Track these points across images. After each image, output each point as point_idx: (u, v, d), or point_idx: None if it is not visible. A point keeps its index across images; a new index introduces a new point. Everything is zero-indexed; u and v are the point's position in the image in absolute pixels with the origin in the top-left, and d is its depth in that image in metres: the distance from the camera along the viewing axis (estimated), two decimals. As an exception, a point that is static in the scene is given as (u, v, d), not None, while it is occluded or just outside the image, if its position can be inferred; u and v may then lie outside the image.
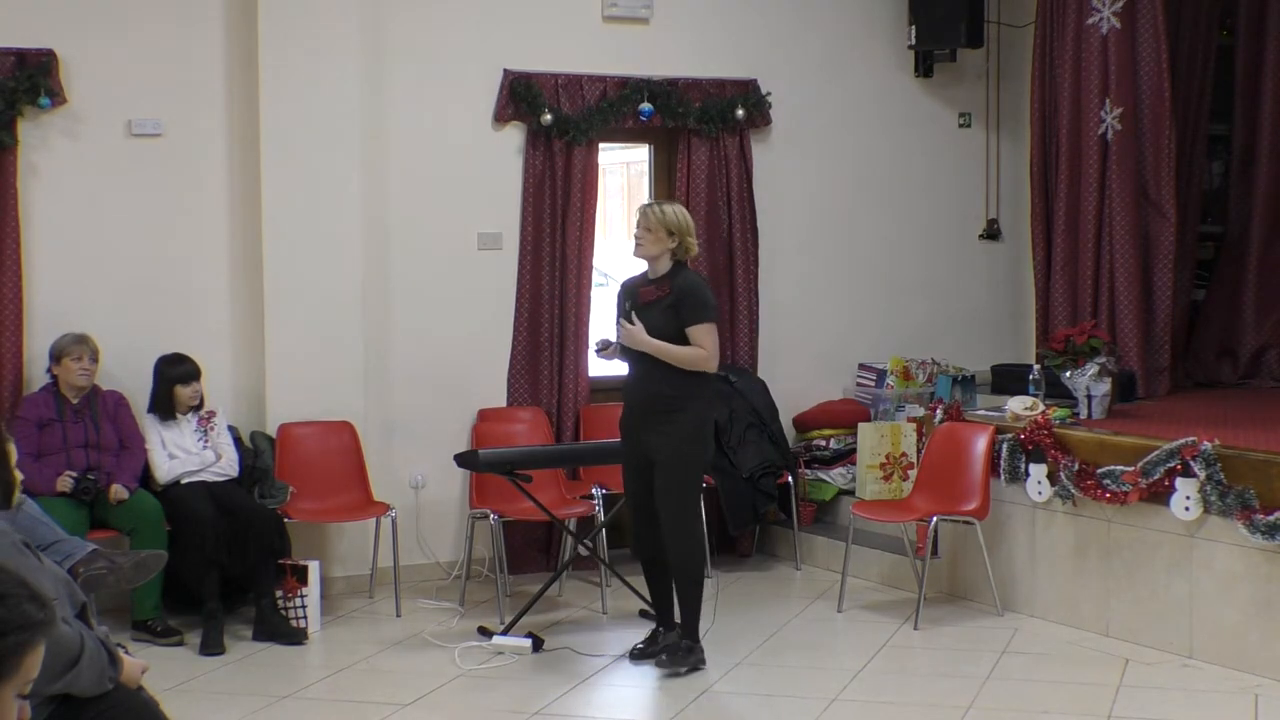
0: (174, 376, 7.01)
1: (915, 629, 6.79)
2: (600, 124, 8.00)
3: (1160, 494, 6.26)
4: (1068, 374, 7.23)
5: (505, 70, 7.89)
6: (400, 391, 7.78)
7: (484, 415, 7.89)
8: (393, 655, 6.51)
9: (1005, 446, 6.95)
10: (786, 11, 8.60)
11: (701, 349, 6.06)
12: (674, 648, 6.21)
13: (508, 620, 6.76)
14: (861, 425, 8.01)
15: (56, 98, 7.06)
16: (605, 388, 8.25)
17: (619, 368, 8.51)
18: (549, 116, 7.86)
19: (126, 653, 3.83)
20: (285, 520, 6.98)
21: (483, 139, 7.91)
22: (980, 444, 7.03)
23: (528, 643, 6.46)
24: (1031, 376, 7.35)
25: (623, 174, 10.16)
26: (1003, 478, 6.98)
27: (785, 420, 8.48)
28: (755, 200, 8.41)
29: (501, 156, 7.93)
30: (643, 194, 8.75)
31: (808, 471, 8.36)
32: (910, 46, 8.82)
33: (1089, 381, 7.16)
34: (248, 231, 7.44)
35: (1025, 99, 8.54)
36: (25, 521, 4.85)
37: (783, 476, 8.09)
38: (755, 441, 8.08)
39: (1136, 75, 7.98)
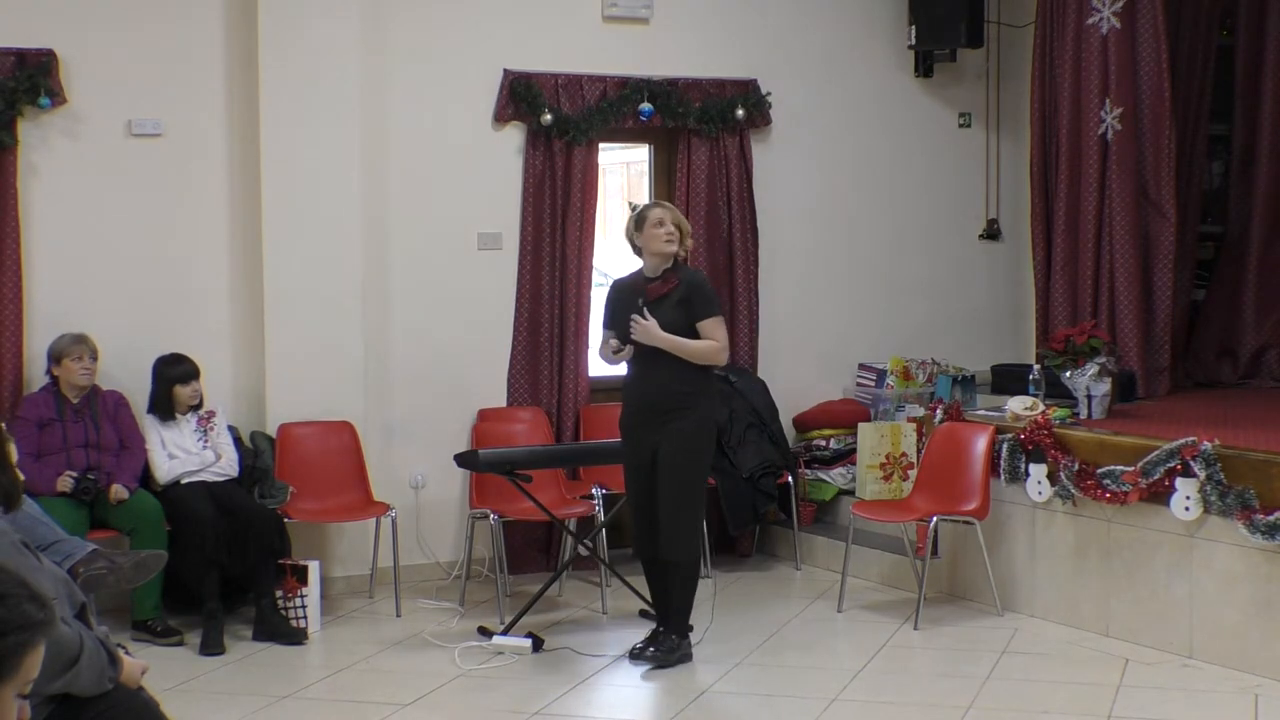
0: (173, 376, 7.01)
1: (915, 629, 6.79)
2: (600, 124, 8.00)
3: (1160, 494, 6.26)
4: (1068, 374, 7.23)
5: (505, 70, 7.89)
6: (400, 391, 7.78)
7: (484, 415, 7.89)
8: (393, 655, 6.51)
9: (1005, 446, 6.95)
10: (786, 11, 8.60)
11: (715, 341, 6.13)
12: (662, 640, 6.23)
13: (508, 620, 6.76)
14: (861, 425, 8.01)
15: (56, 98, 7.06)
16: (605, 388, 8.25)
17: (618, 367, 8.52)
18: (549, 116, 7.86)
19: (126, 653, 3.82)
20: (285, 520, 6.99)
21: (483, 139, 7.91)
22: (980, 444, 7.03)
23: (528, 643, 6.46)
24: (1031, 376, 7.35)
25: (623, 174, 10.15)
26: (1003, 478, 6.98)
27: (785, 420, 8.48)
28: (755, 200, 8.41)
29: (501, 156, 7.93)
30: (643, 194, 8.75)
31: (808, 471, 8.36)
32: (910, 46, 8.82)
33: (1089, 381, 7.16)
34: (248, 231, 7.44)
35: (1025, 99, 8.54)
36: (25, 521, 4.84)
37: (783, 476, 8.09)
38: (755, 441, 8.08)
39: (1136, 75, 7.97)
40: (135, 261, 7.31)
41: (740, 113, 8.28)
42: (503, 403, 7.97)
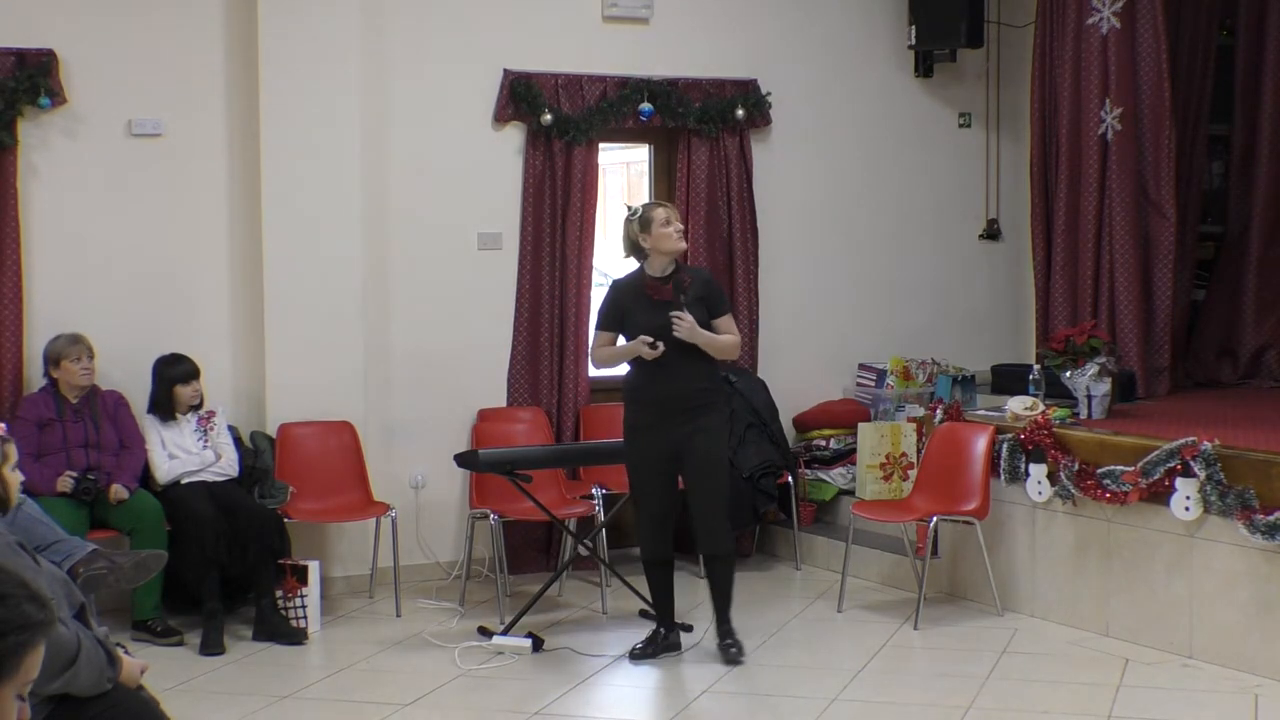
0: (173, 376, 7.01)
1: (915, 629, 6.79)
2: (600, 124, 8.00)
3: (1160, 494, 6.25)
4: (1068, 374, 7.22)
5: (505, 70, 7.89)
6: (400, 391, 7.78)
7: (484, 415, 7.89)
8: (393, 655, 6.51)
9: (1005, 446, 6.95)
10: (786, 12, 8.60)
11: (736, 335, 6.29)
12: (732, 636, 6.30)
13: (508, 620, 6.76)
14: (861, 425, 8.01)
15: (56, 98, 7.06)
16: (605, 388, 8.25)
17: (619, 368, 8.50)
18: (549, 116, 7.86)
19: (126, 653, 3.83)
20: (285, 520, 6.99)
21: (483, 139, 7.91)
22: (980, 444, 7.03)
23: (528, 643, 6.46)
24: (1031, 376, 7.35)
25: (623, 174, 10.16)
26: (1003, 478, 6.98)
27: (785, 420, 8.48)
28: (755, 200, 8.41)
29: (501, 156, 7.93)
30: (643, 194, 8.75)
31: (808, 471, 8.36)
32: (910, 46, 8.82)
33: (1089, 381, 7.16)
34: (248, 231, 7.44)
35: (1025, 99, 8.53)
36: (25, 521, 4.85)
37: (783, 476, 8.09)
38: (755, 441, 8.08)
39: (1136, 75, 7.97)
40: (135, 261, 7.31)
41: (740, 113, 8.28)
42: (503, 403, 7.97)
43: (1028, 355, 8.48)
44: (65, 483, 6.63)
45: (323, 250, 7.48)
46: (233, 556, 6.69)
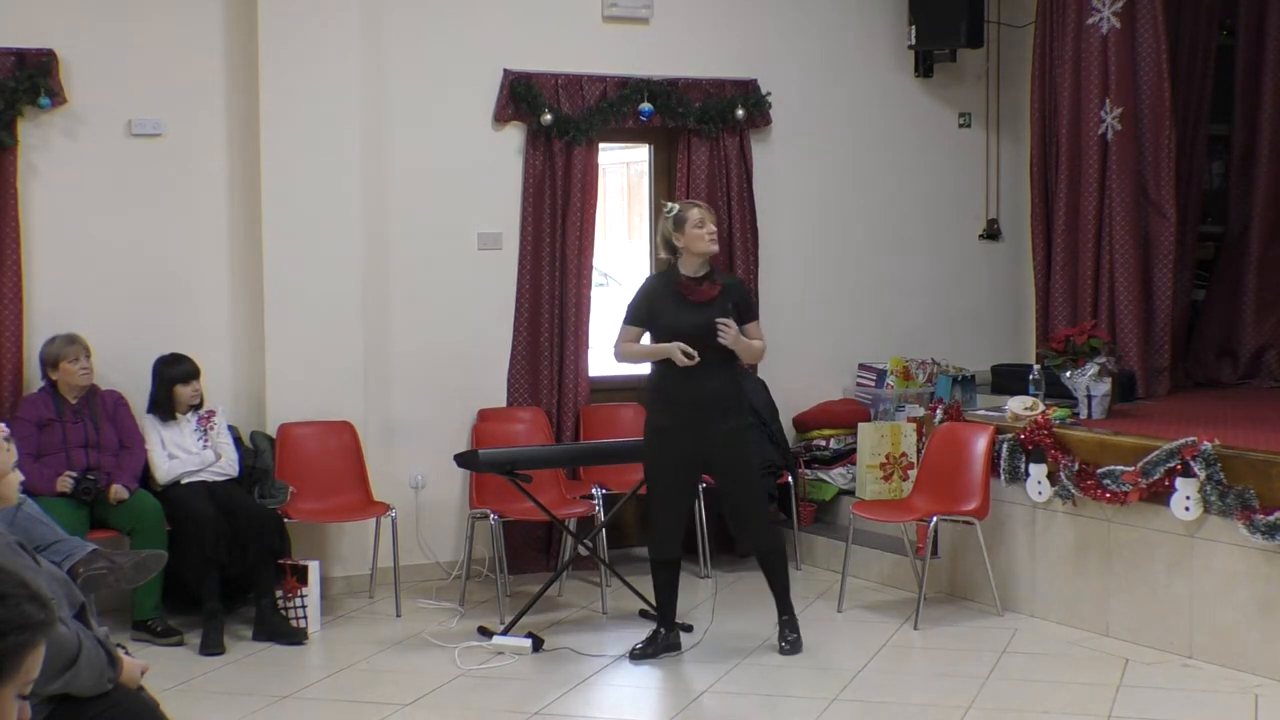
0: (173, 376, 7.01)
1: (915, 629, 6.79)
2: (600, 124, 8.00)
3: (1160, 494, 6.26)
4: (1068, 374, 7.22)
5: (505, 70, 7.89)
6: (400, 391, 7.78)
7: (484, 415, 7.89)
8: (393, 655, 6.51)
9: (1005, 446, 6.95)
10: (786, 12, 8.60)
11: (763, 342, 6.41)
12: (796, 630, 6.40)
13: (508, 620, 6.76)
14: (861, 425, 8.01)
15: (56, 98, 7.07)
16: (605, 388, 8.26)
17: (618, 368, 8.51)
18: (549, 116, 7.86)
19: (126, 653, 3.83)
20: (285, 520, 6.99)
21: (483, 139, 7.91)
22: (980, 444, 7.03)
23: (528, 643, 6.46)
24: (1031, 376, 7.35)
25: (623, 174, 10.16)
26: (1003, 478, 6.98)
27: (785, 420, 8.48)
28: (755, 200, 8.41)
29: (501, 156, 7.93)
30: (643, 194, 8.74)
31: (808, 471, 8.36)
32: (910, 46, 8.82)
33: (1089, 381, 7.16)
34: (248, 231, 7.44)
35: (1025, 99, 8.54)
36: (25, 521, 4.85)
37: (783, 476, 8.08)
38: (755, 441, 8.06)
39: (1136, 75, 7.97)
40: (135, 261, 7.31)
41: (740, 113, 8.28)
42: (503, 403, 7.97)
43: (1028, 355, 8.48)
44: (65, 483, 6.63)
45: (323, 250, 7.48)
46: (233, 556, 6.69)
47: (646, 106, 8.07)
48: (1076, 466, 6.62)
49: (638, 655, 6.32)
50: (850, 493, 8.11)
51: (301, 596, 6.83)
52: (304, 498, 7.21)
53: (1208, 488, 6.05)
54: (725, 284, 6.27)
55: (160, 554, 5.47)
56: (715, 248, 6.27)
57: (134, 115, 7.28)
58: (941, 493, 7.10)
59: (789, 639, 6.40)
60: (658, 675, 6.21)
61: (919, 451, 7.63)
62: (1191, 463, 6.11)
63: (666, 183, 8.48)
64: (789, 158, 8.61)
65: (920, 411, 7.94)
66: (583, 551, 7.28)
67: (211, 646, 6.48)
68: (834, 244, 8.82)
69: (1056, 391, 7.29)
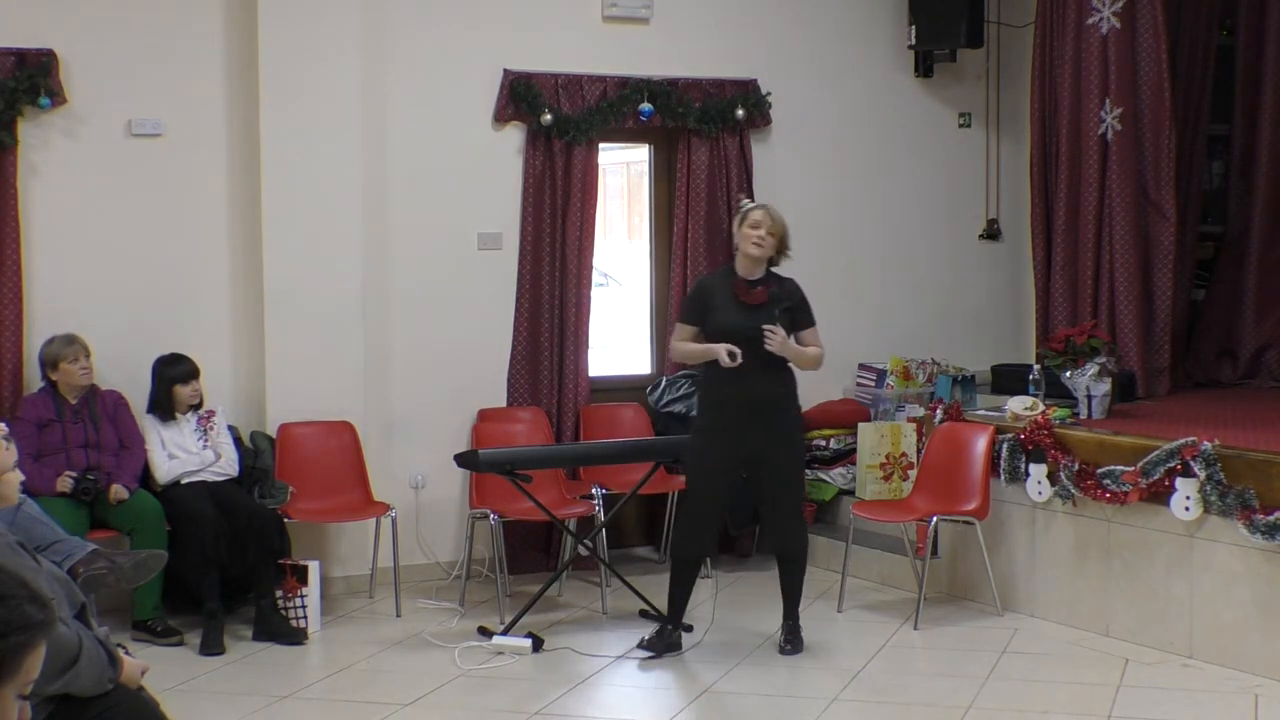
0: (172, 376, 7.01)
1: (915, 629, 6.79)
2: (600, 124, 8.00)
3: (1160, 494, 6.26)
4: (1068, 374, 7.23)
5: (505, 70, 7.89)
6: (400, 391, 7.78)
7: (484, 415, 7.89)
8: (393, 655, 6.51)
9: (1005, 446, 6.95)
10: (786, 11, 8.60)
11: (820, 349, 6.43)
12: (798, 635, 6.41)
13: (508, 620, 6.76)
14: (861, 425, 8.01)
15: (56, 98, 7.06)
16: (605, 388, 8.26)
17: (618, 367, 8.51)
18: (549, 116, 7.86)
19: (126, 653, 3.83)
20: (285, 520, 6.99)
21: (483, 139, 7.91)
22: (980, 444, 7.03)
23: (528, 643, 6.46)
24: (1031, 376, 7.35)
25: (623, 174, 10.17)
26: (1003, 478, 6.98)
27: (785, 420, 8.47)
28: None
29: (501, 156, 7.93)
30: (643, 194, 8.74)
31: (808, 471, 8.34)
32: (910, 46, 8.82)
33: (1089, 381, 7.16)
34: (248, 231, 7.44)
35: (1025, 99, 8.54)
36: (25, 521, 4.85)
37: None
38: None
39: (1136, 75, 7.97)
40: (135, 261, 7.31)
41: (740, 113, 8.28)
42: (503, 403, 7.96)
43: (1028, 355, 8.48)
44: (65, 483, 6.63)
45: (323, 250, 7.47)
46: (233, 556, 6.69)
47: (646, 106, 8.07)
48: (1076, 466, 6.62)
49: (646, 645, 6.37)
50: (850, 493, 8.11)
51: (301, 596, 6.83)
52: (304, 498, 7.21)
53: (1208, 488, 6.05)
54: (781, 289, 6.30)
55: (160, 554, 5.47)
56: (755, 252, 6.27)
57: (134, 115, 7.28)
58: (941, 493, 7.10)
59: (791, 641, 6.41)
60: (658, 675, 6.21)
61: (919, 451, 7.63)
62: (1191, 463, 6.11)
63: (666, 183, 8.47)
64: (789, 158, 8.61)
65: (920, 411, 7.94)
66: (583, 551, 7.28)
67: (211, 646, 6.48)
68: (834, 244, 8.81)
69: (1056, 391, 7.29)
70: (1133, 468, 6.34)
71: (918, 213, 9.01)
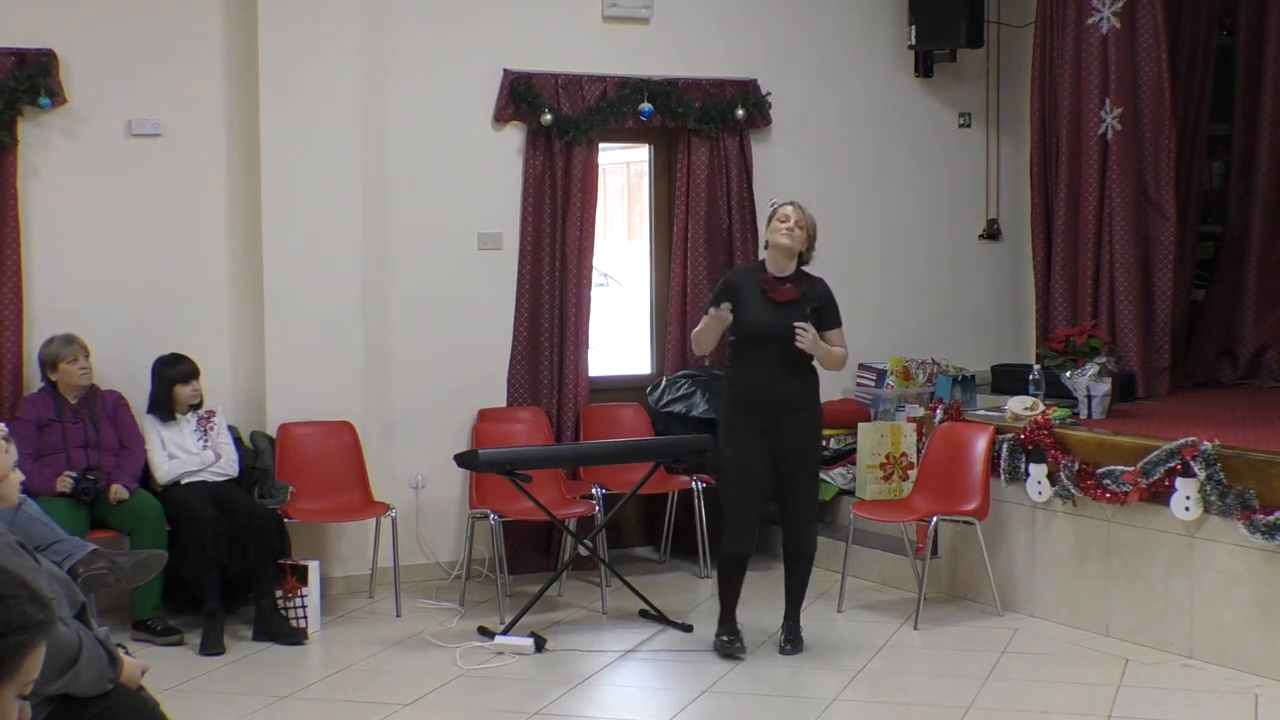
0: (172, 376, 7.01)
1: (915, 629, 6.79)
2: (600, 124, 8.00)
3: (1160, 494, 6.26)
4: (1068, 374, 7.23)
5: (505, 70, 7.89)
6: (400, 391, 7.78)
7: (484, 415, 7.89)
8: (393, 655, 6.51)
9: (1005, 446, 6.95)
10: (786, 11, 8.60)
11: (846, 349, 6.44)
12: (798, 634, 6.43)
13: (508, 620, 6.76)
14: (861, 425, 8.01)
15: (56, 98, 7.06)
16: (605, 388, 8.26)
17: (618, 368, 8.50)
18: (549, 116, 7.86)
19: (127, 653, 3.83)
20: (285, 520, 6.99)
21: (483, 139, 7.91)
22: (980, 444, 7.03)
23: (529, 642, 6.45)
24: (1031, 376, 7.35)
25: (623, 174, 10.17)
26: (1003, 478, 6.98)
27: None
28: (755, 200, 8.40)
29: (501, 156, 7.93)
30: (643, 194, 8.74)
31: (808, 471, 8.35)
32: (910, 46, 8.82)
33: (1089, 381, 7.16)
34: (248, 231, 7.44)
35: (1025, 99, 8.54)
36: (25, 521, 4.84)
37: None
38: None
39: (1136, 75, 7.98)
40: (135, 261, 7.31)
41: (740, 113, 8.28)
42: (503, 403, 7.96)
43: (1028, 355, 8.48)
44: (65, 483, 6.63)
45: (323, 250, 7.47)
46: (233, 556, 6.69)
47: (646, 106, 8.07)
48: (1076, 466, 6.62)
49: (730, 650, 6.32)
50: (850, 493, 8.11)
51: (301, 596, 6.83)
52: (304, 498, 7.21)
53: (1208, 488, 6.06)
54: (810, 287, 6.31)
55: (160, 554, 5.47)
56: (786, 241, 6.26)
57: (134, 115, 7.28)
58: (941, 493, 7.10)
59: (792, 641, 6.42)
60: (657, 675, 6.21)
61: (919, 451, 7.63)
62: (1191, 463, 6.11)
63: (666, 183, 8.48)
64: (789, 158, 8.61)
65: (920, 411, 7.94)
66: (583, 551, 7.28)
67: (211, 646, 6.48)
68: (834, 244, 8.75)
69: (1056, 391, 7.29)
70: (1133, 468, 6.34)
71: (918, 213, 9.02)
